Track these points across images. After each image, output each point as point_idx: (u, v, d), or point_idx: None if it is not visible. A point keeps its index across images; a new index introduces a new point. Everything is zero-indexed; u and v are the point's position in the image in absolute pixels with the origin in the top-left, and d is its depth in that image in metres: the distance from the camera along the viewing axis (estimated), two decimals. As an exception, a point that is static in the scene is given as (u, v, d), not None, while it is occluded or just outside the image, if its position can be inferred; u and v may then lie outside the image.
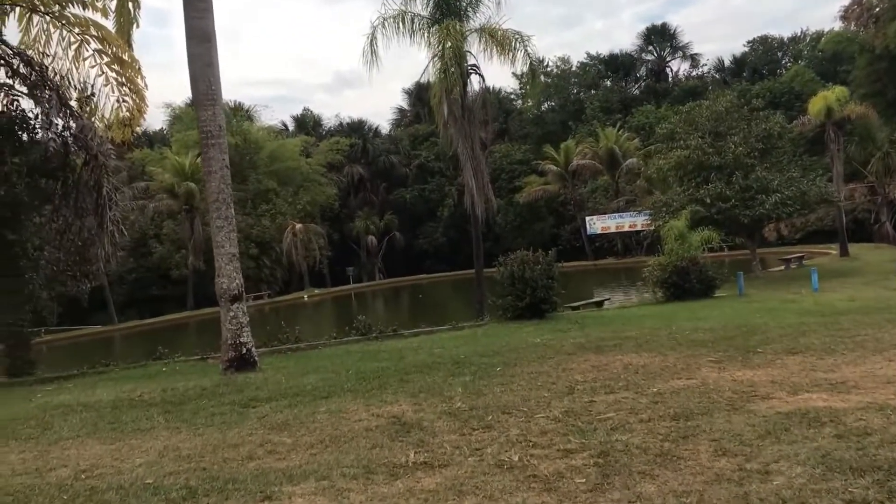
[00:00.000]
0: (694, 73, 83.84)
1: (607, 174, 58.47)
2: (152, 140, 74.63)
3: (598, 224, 56.74)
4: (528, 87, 78.17)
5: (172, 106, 68.59)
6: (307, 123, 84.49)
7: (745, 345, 11.49)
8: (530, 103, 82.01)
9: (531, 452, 5.99)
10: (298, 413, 8.34)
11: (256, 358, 12.13)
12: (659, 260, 23.51)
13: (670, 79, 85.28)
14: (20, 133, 15.03)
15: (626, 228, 55.20)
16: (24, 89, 14.65)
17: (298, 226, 58.22)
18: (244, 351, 11.75)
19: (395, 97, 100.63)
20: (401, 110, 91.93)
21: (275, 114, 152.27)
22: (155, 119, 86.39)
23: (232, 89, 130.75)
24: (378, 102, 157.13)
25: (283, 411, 8.54)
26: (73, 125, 14.24)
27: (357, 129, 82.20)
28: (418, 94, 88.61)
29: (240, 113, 70.98)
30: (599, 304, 25.44)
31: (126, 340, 42.50)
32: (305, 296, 57.33)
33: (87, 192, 14.43)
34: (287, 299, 56.43)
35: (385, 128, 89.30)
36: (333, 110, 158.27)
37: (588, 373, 9.81)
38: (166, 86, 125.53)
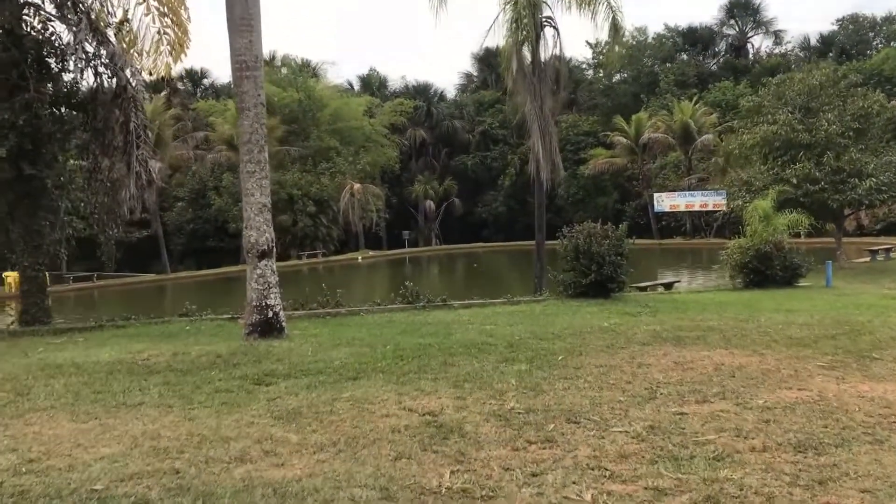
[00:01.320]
0: (777, 51, 79.49)
1: (680, 150, 55.59)
2: (219, 93, 74.33)
3: (666, 201, 54.07)
4: (604, 53, 75.37)
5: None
6: (372, 84, 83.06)
7: (855, 348, 9.65)
8: (601, 73, 79.11)
9: (609, 489, 4.39)
10: (316, 398, 6.88)
11: (284, 323, 10.72)
12: (739, 242, 21.42)
13: (751, 55, 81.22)
14: (47, 58, 13.83)
15: (697, 208, 52.46)
16: (53, 9, 13.39)
17: (357, 186, 57.02)
18: (270, 315, 10.35)
19: (460, 67, 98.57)
20: (467, 75, 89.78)
21: (341, 71, 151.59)
22: (224, 71, 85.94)
23: (297, 49, 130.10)
24: (443, 73, 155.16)
25: (298, 394, 7.09)
26: (104, 52, 12.96)
27: (422, 91, 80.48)
28: (486, 59, 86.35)
29: (305, 70, 69.88)
30: (669, 286, 23.50)
31: (177, 290, 42.02)
32: (360, 257, 56.28)
33: (116, 128, 13.15)
34: (341, 259, 55.49)
35: (451, 93, 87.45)
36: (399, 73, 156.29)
37: (670, 371, 8.12)
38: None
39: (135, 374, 8.26)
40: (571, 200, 67.15)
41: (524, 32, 19.70)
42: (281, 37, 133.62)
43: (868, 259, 31.67)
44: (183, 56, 13.73)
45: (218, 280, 45.18)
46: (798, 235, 22.63)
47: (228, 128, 53.40)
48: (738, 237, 22.20)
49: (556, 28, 20.04)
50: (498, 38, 20.08)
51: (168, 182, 60.55)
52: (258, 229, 10.23)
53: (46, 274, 15.06)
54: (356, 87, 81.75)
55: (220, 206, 56.29)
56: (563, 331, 11.70)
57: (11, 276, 32.02)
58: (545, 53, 19.95)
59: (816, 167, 26.28)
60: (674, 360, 8.96)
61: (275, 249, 10.56)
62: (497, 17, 20.62)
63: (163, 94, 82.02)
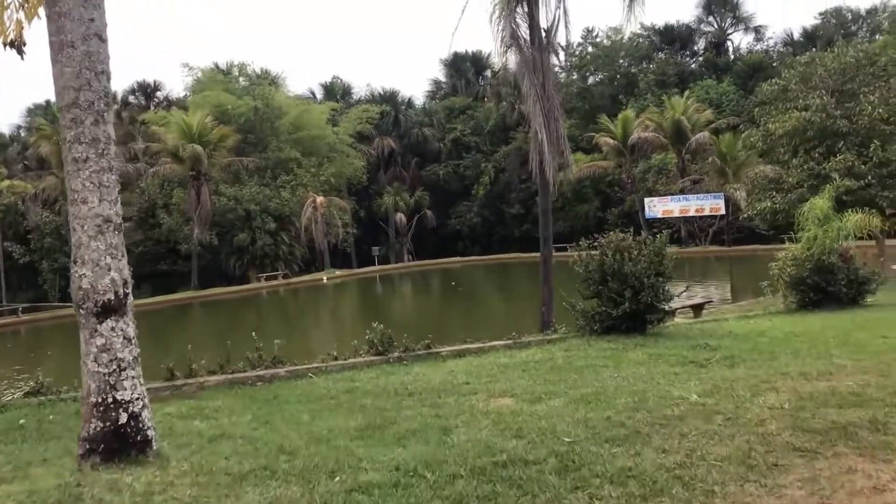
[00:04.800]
0: (758, 48, 76.18)
1: (672, 149, 51.49)
2: (174, 106, 69.26)
3: (658, 207, 49.86)
4: (577, 54, 71.62)
5: (191, 66, 62.74)
6: (336, 91, 78.54)
7: None
8: (575, 76, 75.24)
9: None
10: None
11: (151, 432, 5.96)
12: (793, 251, 17.10)
13: (731, 53, 77.91)
14: None
15: (692, 213, 48.33)
16: None
17: (320, 199, 52.26)
18: (123, 419, 5.64)
19: (426, 80, 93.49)
20: (436, 82, 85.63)
21: (302, 80, 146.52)
22: (177, 83, 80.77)
23: (257, 60, 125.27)
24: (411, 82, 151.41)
25: None
26: None
27: (389, 99, 76.07)
28: (455, 64, 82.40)
29: (264, 79, 65.05)
30: (698, 308, 19.14)
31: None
32: (325, 277, 51.44)
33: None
34: (305, 280, 50.59)
35: (419, 100, 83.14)
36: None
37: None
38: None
39: None
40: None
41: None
42: (240, 48, 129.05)
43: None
44: (37, 17, 9.07)
45: (162, 310, 40.11)
46: (861, 239, 18.28)
47: (172, 137, 48.38)
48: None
49: (558, -18, 15.72)
50: (476, 15, 15.66)
51: (116, 201, 55.48)
52: (96, 265, 5.55)
53: None
54: (319, 95, 77.13)
55: (171, 226, 51.34)
56: (629, 411, 7.18)
57: None
58: (546, 17, 15.58)
59: (859, 159, 22.17)
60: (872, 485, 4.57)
61: (130, 298, 5.89)
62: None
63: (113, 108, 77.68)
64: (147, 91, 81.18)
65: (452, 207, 70.73)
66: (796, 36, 74.73)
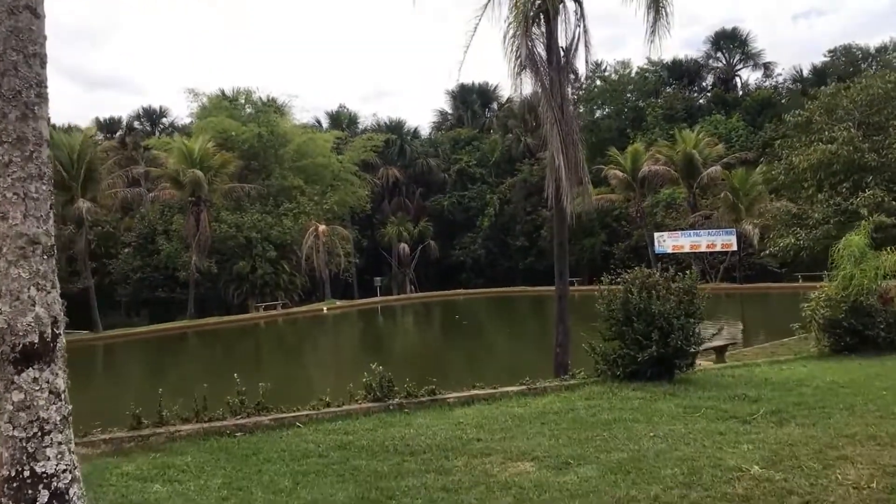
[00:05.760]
0: (767, 84, 75.48)
1: (683, 183, 50.35)
2: (178, 132, 68.49)
3: (668, 242, 48.52)
4: (585, 88, 70.86)
5: (197, 92, 61.93)
6: (342, 120, 77.72)
7: None
8: (582, 109, 74.52)
9: None
10: None
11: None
12: (827, 291, 15.83)
13: (739, 88, 77.27)
14: None
15: (703, 248, 46.98)
16: None
17: (322, 227, 51.06)
18: (43, 498, 4.38)
19: (432, 111, 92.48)
20: (442, 113, 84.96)
21: (307, 107, 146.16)
22: (185, 110, 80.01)
23: (266, 88, 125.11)
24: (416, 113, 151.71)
25: None
26: None
27: (395, 129, 75.31)
28: (461, 95, 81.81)
29: (269, 106, 64.22)
30: (721, 350, 17.82)
31: (92, 356, 35.39)
32: (325, 308, 50.06)
33: None
34: (304, 311, 49.19)
35: (425, 130, 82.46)
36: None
37: None
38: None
39: None
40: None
41: (536, 4, 14.21)
42: (250, 75, 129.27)
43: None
44: None
45: (158, 339, 38.77)
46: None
47: (173, 162, 47.40)
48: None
49: (578, 1, 14.60)
50: (489, 31, 14.52)
51: (116, 226, 54.44)
52: (16, 298, 4.33)
53: None
54: (325, 124, 76.40)
55: (170, 252, 50.15)
56: (680, 487, 5.94)
57: None
58: (564, 36, 14.48)
59: (889, 195, 20.98)
60: None
61: (61, 341, 4.65)
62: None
63: (117, 133, 76.89)
64: (153, 117, 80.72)
65: (456, 238, 69.56)
66: (805, 73, 74.13)
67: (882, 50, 73.23)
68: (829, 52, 74.94)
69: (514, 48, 14.64)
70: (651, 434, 8.15)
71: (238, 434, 8.87)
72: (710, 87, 77.75)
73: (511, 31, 14.83)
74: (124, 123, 78.28)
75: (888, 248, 16.54)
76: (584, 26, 14.57)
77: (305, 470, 7.08)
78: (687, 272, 12.39)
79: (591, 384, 11.89)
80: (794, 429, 8.36)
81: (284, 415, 9.42)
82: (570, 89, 15.82)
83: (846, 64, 72.83)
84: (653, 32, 14.56)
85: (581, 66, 15.95)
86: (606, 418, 9.19)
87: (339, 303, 53.20)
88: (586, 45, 14.58)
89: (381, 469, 6.96)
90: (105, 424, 9.31)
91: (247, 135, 55.26)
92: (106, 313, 48.93)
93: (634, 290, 11.84)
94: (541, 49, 14.62)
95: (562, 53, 14.54)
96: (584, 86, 73.13)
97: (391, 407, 9.96)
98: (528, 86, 15.09)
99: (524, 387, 11.52)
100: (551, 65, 14.41)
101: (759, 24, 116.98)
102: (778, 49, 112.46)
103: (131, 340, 38.32)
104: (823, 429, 8.25)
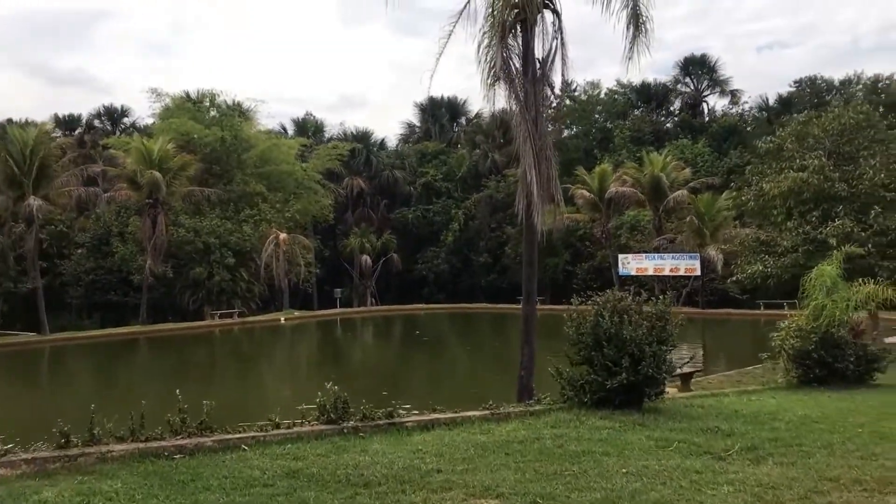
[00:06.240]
0: (733, 111, 76.36)
1: (649, 206, 50.39)
2: (141, 132, 66.91)
3: (633, 264, 48.38)
4: (553, 107, 70.82)
5: (160, 92, 60.49)
6: (308, 128, 76.74)
7: None
8: (551, 127, 74.59)
9: None
10: None
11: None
12: (797, 321, 15.53)
13: (706, 114, 78.10)
14: None
15: (667, 272, 46.94)
16: None
17: (283, 235, 50.09)
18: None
19: (399, 123, 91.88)
20: (410, 125, 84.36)
21: (274, 118, 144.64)
22: (145, 110, 78.18)
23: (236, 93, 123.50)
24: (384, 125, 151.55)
25: None
26: None
27: (362, 139, 74.54)
28: (430, 109, 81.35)
29: (235, 110, 63.05)
30: (687, 377, 17.44)
31: (40, 358, 34.05)
32: (282, 318, 49.03)
33: None
34: (261, 320, 48.11)
35: (392, 142, 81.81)
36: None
37: None
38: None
39: None
40: (519, 260, 61.09)
41: (513, 13, 13.72)
42: (213, 80, 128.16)
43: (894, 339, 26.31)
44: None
45: (106, 344, 37.43)
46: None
47: (131, 162, 46.15)
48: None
49: (556, 11, 14.13)
50: (473, 14, 13.94)
51: (70, 226, 52.83)
52: None
53: None
54: (290, 131, 75.34)
55: (125, 255, 48.81)
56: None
57: None
58: (542, 48, 14.00)
59: (858, 225, 20.88)
60: None
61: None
62: (468, 4, 14.66)
63: (77, 131, 74.95)
64: (114, 116, 78.94)
65: (420, 252, 68.91)
66: (771, 102, 75.15)
67: (846, 83, 74.54)
68: (795, 82, 76.12)
69: (489, 58, 14.13)
70: (623, 470, 7.63)
71: (177, 456, 8.12)
72: (677, 112, 78.41)
73: (486, 41, 14.32)
74: (84, 121, 76.52)
75: (859, 280, 16.34)
76: (562, 39, 14.12)
77: (248, 502, 6.41)
78: (661, 296, 11.91)
79: (557, 410, 11.35)
80: (772, 468, 7.92)
81: (229, 436, 8.70)
82: (546, 103, 15.30)
83: (811, 94, 74.04)
84: (631, 49, 14.17)
85: (557, 80, 15.48)
86: (574, 450, 8.65)
87: (297, 313, 52.18)
88: (563, 59, 14.13)
89: (331, 502, 6.32)
90: (32, 440, 8.49)
91: (209, 138, 54.14)
92: (57, 315, 47.33)
93: (606, 313, 11.35)
94: (516, 60, 14.13)
95: (538, 65, 14.06)
96: (559, 100, 73.37)
97: (345, 430, 9.29)
98: (501, 98, 14.56)
99: (487, 411, 10.92)
100: (526, 77, 13.91)
101: (725, 54, 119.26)
102: (743, 79, 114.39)
103: (78, 344, 36.95)
104: (804, 470, 7.81)
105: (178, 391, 9.00)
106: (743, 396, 14.14)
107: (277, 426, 9.19)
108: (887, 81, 66.60)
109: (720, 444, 9.05)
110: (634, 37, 14.16)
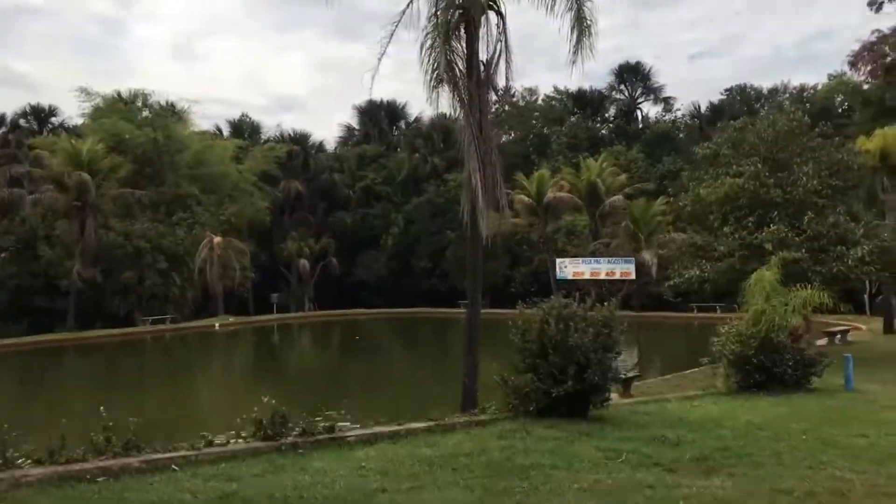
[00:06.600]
0: (666, 118, 77.89)
1: (586, 211, 50.86)
2: (69, 132, 64.51)
3: (570, 268, 48.75)
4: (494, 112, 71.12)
5: (90, 91, 58.38)
6: (244, 130, 75.23)
7: None
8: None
9: None
10: None
11: None
12: (738, 327, 15.60)
13: (640, 121, 79.46)
14: None
15: (603, 276, 47.42)
16: None
17: (217, 239, 48.95)
18: None
19: (338, 126, 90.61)
20: (349, 128, 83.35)
21: (209, 119, 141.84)
22: (74, 109, 75.27)
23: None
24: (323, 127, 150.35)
25: None
26: None
27: (299, 141, 73.42)
28: (369, 112, 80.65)
29: (168, 111, 61.37)
30: (628, 382, 17.37)
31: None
32: (217, 324, 47.84)
33: None
34: (194, 326, 46.85)
35: (330, 145, 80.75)
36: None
37: None
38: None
39: None
40: (459, 264, 61.05)
41: (457, 14, 13.46)
42: (146, 80, 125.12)
43: (825, 342, 26.96)
44: None
45: (29, 353, 35.78)
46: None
47: (58, 162, 44.46)
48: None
49: (500, 13, 13.92)
50: (414, 15, 13.60)
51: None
52: None
53: None
54: (226, 132, 73.67)
55: (51, 259, 46.90)
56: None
57: None
58: (486, 50, 13.77)
59: (791, 230, 21.26)
60: None
61: None
62: (410, 3, 14.35)
63: (0, 130, 71.88)
64: (41, 115, 75.89)
65: (359, 256, 68.24)
66: (703, 109, 76.80)
67: (774, 91, 76.87)
68: (726, 90, 78.08)
69: (432, 59, 13.81)
70: (575, 486, 7.38)
71: (101, 479, 7.55)
72: (612, 119, 79.61)
73: (429, 42, 14.01)
74: (9, 120, 73.53)
75: (795, 285, 16.54)
76: (507, 41, 13.91)
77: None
78: (607, 302, 11.78)
79: (503, 420, 11.10)
80: (724, 480, 7.78)
81: (158, 455, 8.15)
82: (491, 106, 15.08)
83: (741, 102, 75.98)
84: (576, 52, 14.03)
85: (501, 83, 15.26)
86: (522, 463, 8.39)
87: (232, 319, 50.98)
88: (507, 62, 13.91)
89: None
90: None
91: (141, 139, 52.65)
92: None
93: (551, 320, 11.13)
94: (460, 63, 13.86)
95: (482, 68, 13.82)
96: (503, 104, 73.49)
97: (284, 447, 8.82)
98: (445, 100, 14.27)
99: (432, 422, 10.57)
100: (471, 79, 13.65)
101: (657, 62, 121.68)
102: (675, 87, 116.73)
103: (1, 353, 35.26)
104: (756, 482, 7.70)
105: (101, 408, 8.42)
106: (685, 402, 14.12)
107: (210, 444, 8.67)
108: (812, 91, 68.99)
109: (669, 455, 8.90)
110: (579, 40, 14.03)
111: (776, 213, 21.71)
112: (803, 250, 20.80)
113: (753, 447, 9.47)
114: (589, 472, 7.96)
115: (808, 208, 21.68)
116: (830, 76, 62.42)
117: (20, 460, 7.61)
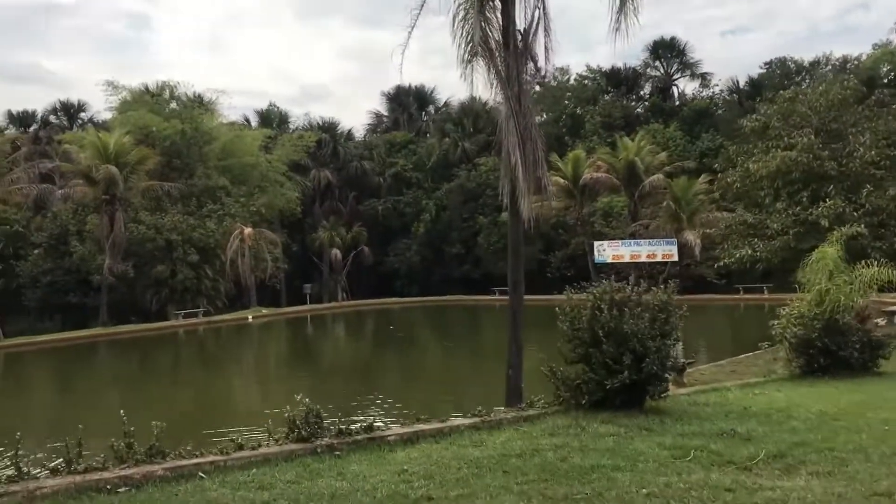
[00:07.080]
0: (704, 94, 75.87)
1: (625, 192, 49.60)
2: (98, 127, 64.61)
3: (609, 251, 47.47)
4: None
5: (117, 85, 58.18)
6: (272, 119, 74.77)
7: None
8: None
9: None
10: None
11: None
12: (799, 308, 14.61)
13: (676, 98, 77.54)
14: None
15: (643, 259, 46.10)
16: None
17: (248, 230, 48.51)
18: None
19: (366, 113, 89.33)
20: (377, 115, 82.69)
21: (237, 109, 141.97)
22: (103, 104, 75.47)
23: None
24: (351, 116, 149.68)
25: None
26: None
27: (328, 129, 72.73)
28: (397, 97, 79.86)
29: (196, 102, 61.02)
30: (682, 369, 16.41)
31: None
32: (250, 316, 47.49)
33: None
34: (228, 319, 46.52)
35: (359, 133, 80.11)
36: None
37: None
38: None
39: None
40: (492, 250, 60.19)
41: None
42: (174, 73, 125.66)
43: (884, 322, 25.64)
44: None
45: (61, 350, 35.63)
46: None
47: (86, 157, 44.27)
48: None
49: (538, -21, 13.06)
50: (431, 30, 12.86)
51: (26, 225, 50.68)
52: None
53: None
54: (254, 122, 73.33)
55: (83, 255, 46.80)
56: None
57: None
58: (523, 18, 12.91)
59: (849, 205, 20.07)
60: None
61: None
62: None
63: (31, 128, 72.32)
64: (70, 111, 76.39)
65: (391, 244, 67.54)
66: (742, 84, 74.65)
67: (815, 64, 74.34)
68: (766, 63, 75.54)
69: (465, 31, 12.94)
70: (644, 491, 6.56)
71: (122, 489, 6.91)
72: (647, 96, 77.74)
73: (461, 13, 13.13)
74: (39, 117, 74.03)
75: (859, 262, 15.48)
76: (545, 7, 12.97)
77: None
78: (665, 284, 10.90)
79: (554, 415, 10.28)
80: (809, 480, 6.91)
81: (184, 462, 7.48)
82: (530, 78, 14.15)
83: (781, 76, 73.73)
84: (618, 18, 13.03)
85: (541, 53, 14.24)
86: (581, 464, 7.57)
87: (265, 311, 50.62)
88: (546, 30, 12.97)
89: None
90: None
91: (169, 131, 52.28)
92: (14, 319, 45.49)
93: (604, 306, 10.28)
94: (495, 33, 12.98)
95: (519, 37, 12.91)
96: (541, 79, 72.13)
97: (319, 449, 8.12)
98: (479, 75, 13.38)
99: (477, 419, 9.80)
100: (507, 49, 12.75)
101: (688, 38, 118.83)
102: (707, 64, 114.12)
103: (34, 350, 35.16)
104: (846, 482, 6.81)
105: (122, 412, 7.76)
106: (747, 390, 13.19)
107: (240, 447, 7.99)
108: (856, 62, 66.60)
109: (742, 452, 8.02)
110: (622, 4, 13.04)
111: (832, 186, 20.53)
112: (862, 225, 19.60)
113: (833, 441, 8.56)
114: (657, 475, 7.13)
115: (866, 181, 20.48)
116: (875, 46, 59.90)
117: (36, 471, 6.99)
